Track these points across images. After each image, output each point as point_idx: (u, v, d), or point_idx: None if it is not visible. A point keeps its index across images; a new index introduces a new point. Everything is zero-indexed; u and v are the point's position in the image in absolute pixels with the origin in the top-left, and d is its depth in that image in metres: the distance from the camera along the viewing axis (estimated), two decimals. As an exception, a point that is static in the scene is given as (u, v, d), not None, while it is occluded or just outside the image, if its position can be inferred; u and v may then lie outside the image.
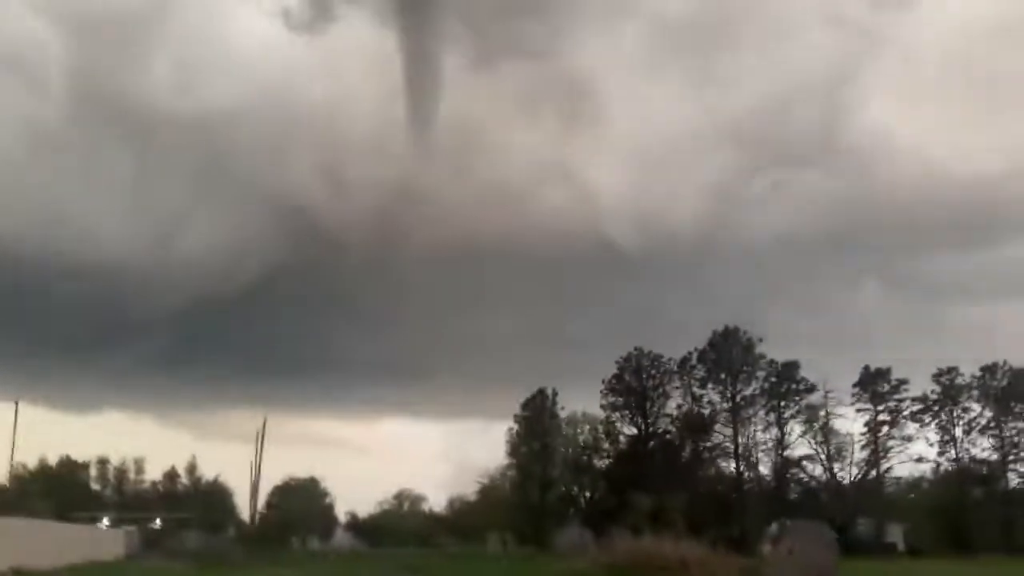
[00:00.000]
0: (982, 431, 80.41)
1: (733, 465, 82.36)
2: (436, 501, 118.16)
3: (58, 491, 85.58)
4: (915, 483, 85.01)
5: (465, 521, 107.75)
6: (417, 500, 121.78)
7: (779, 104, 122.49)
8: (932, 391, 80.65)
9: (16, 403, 78.13)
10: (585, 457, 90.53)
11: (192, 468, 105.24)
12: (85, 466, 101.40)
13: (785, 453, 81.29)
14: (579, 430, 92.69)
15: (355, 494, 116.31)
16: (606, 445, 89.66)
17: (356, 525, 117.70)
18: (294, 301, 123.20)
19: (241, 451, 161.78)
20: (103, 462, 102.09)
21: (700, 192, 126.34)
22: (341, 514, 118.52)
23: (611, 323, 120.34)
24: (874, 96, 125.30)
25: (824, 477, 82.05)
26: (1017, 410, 79.39)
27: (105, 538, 63.92)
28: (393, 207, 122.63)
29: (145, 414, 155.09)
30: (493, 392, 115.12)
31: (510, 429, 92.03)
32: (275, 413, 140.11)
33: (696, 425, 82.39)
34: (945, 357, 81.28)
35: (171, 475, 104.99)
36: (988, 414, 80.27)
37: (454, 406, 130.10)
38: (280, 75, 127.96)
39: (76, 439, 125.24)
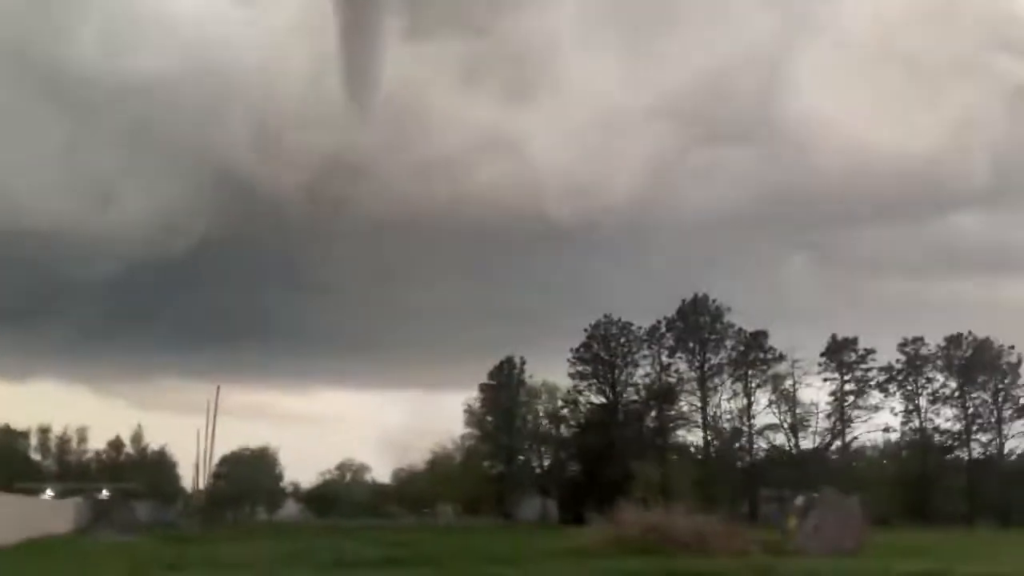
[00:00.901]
0: (945, 401, 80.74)
1: (700, 434, 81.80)
2: (379, 472, 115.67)
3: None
4: (877, 453, 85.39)
5: (412, 492, 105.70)
6: (360, 470, 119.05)
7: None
8: (897, 361, 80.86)
9: None
10: (552, 427, 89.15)
11: (138, 438, 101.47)
12: (25, 435, 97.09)
13: (751, 422, 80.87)
14: (541, 399, 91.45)
15: (295, 465, 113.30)
16: (566, 413, 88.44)
17: (300, 496, 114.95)
18: (230, 271, 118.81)
19: (179, 422, 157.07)
20: (44, 431, 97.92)
21: (637, 167, 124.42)
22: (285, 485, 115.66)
23: (551, 295, 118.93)
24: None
25: (787, 446, 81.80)
26: (980, 381, 79.70)
27: (55, 510, 60.69)
28: (331, 176, 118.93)
29: (80, 383, 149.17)
30: (431, 363, 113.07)
31: (476, 398, 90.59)
32: (213, 384, 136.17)
33: (662, 394, 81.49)
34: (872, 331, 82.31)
35: (116, 444, 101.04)
36: (952, 385, 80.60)
37: (393, 377, 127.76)
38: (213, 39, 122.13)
39: (8, 408, 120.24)
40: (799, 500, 31.59)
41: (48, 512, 57.07)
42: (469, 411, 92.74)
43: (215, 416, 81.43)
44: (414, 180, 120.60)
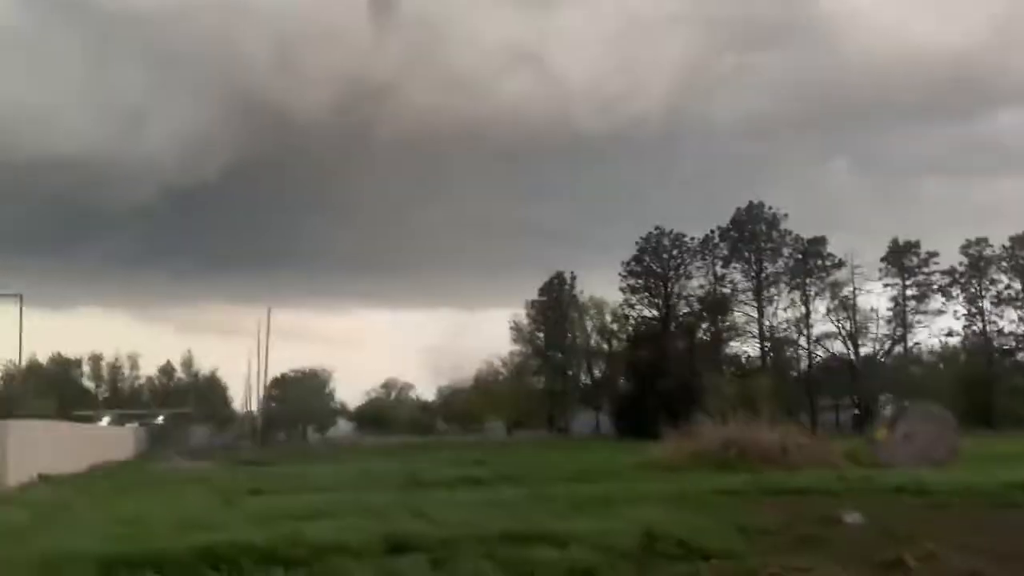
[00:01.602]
0: (1010, 303, 78.56)
1: (755, 345, 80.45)
2: (422, 389, 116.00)
3: (52, 389, 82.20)
4: (939, 358, 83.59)
5: (459, 408, 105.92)
6: (405, 389, 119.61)
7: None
8: (960, 263, 78.65)
9: (20, 297, 63.65)
10: (602, 342, 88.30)
11: (188, 362, 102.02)
12: (78, 363, 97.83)
13: (809, 331, 79.25)
14: (590, 314, 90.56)
15: (341, 384, 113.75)
16: (616, 328, 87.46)
17: (349, 415, 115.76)
18: (260, 194, 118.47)
19: (223, 345, 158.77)
20: (96, 358, 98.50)
21: (667, 73, 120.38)
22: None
23: (583, 209, 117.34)
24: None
25: (847, 355, 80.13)
26: (1046, 281, 77.43)
27: (117, 437, 60.99)
28: (357, 97, 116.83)
29: (120, 310, 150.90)
30: (467, 281, 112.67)
31: (524, 314, 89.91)
32: (254, 307, 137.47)
33: (716, 305, 79.94)
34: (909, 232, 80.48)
35: (167, 370, 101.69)
36: (1016, 286, 78.30)
37: (426, 297, 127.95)
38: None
39: (55, 336, 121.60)
40: (887, 410, 30.39)
41: (111, 439, 57.26)
42: (516, 327, 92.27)
43: (268, 338, 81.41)
44: (439, 96, 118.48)
